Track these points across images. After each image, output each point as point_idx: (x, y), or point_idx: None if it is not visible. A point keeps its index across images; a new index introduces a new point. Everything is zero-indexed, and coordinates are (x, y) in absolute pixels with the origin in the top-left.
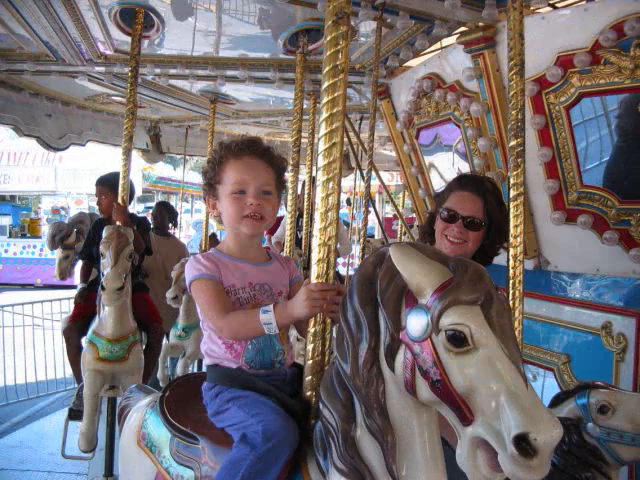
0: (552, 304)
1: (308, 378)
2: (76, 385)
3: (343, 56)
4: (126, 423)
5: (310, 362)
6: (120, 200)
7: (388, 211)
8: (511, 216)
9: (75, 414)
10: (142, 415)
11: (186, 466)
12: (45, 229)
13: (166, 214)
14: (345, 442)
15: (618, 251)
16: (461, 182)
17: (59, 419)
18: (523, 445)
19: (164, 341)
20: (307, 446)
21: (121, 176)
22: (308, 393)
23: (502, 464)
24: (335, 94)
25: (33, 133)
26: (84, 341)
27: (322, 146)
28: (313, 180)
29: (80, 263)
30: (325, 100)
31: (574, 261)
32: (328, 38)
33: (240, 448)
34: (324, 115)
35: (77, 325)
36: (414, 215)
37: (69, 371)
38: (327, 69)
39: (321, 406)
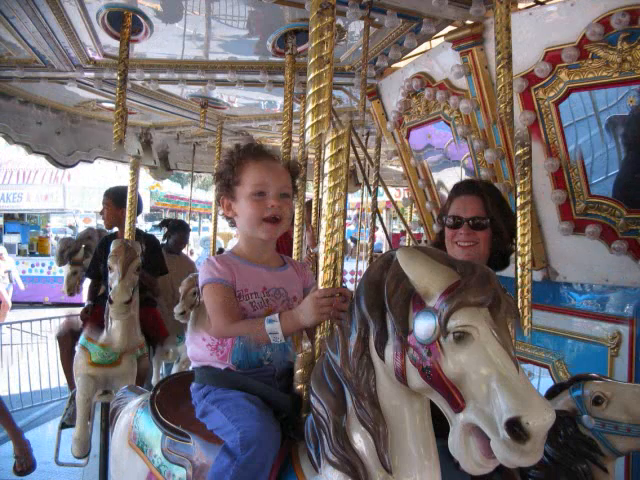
0: (561, 315)
1: (299, 371)
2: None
3: (328, 47)
4: (117, 424)
5: (300, 355)
6: (128, 214)
7: (395, 227)
8: (518, 224)
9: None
10: (133, 415)
11: (178, 464)
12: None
13: (184, 235)
14: (336, 433)
15: (627, 261)
16: (457, 189)
17: (53, 428)
18: (515, 429)
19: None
20: (299, 440)
21: (129, 190)
22: (299, 386)
23: (495, 450)
24: (321, 85)
25: (42, 150)
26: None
27: (329, 152)
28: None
29: (88, 281)
30: (311, 91)
31: (583, 272)
32: (313, 29)
33: (222, 459)
34: (310, 106)
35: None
36: (422, 230)
37: (63, 380)
38: (312, 60)
39: (312, 398)
